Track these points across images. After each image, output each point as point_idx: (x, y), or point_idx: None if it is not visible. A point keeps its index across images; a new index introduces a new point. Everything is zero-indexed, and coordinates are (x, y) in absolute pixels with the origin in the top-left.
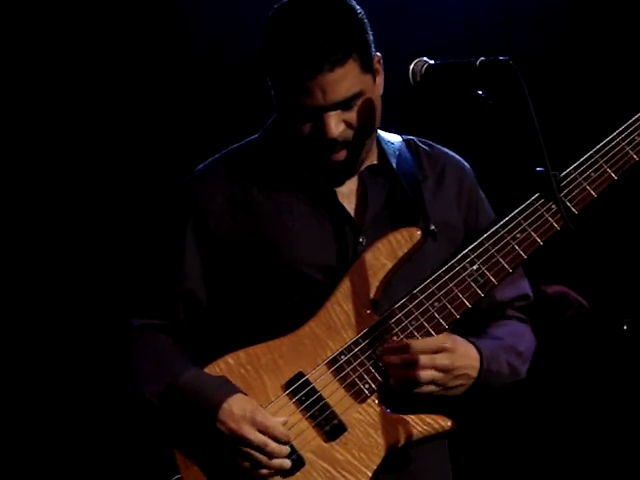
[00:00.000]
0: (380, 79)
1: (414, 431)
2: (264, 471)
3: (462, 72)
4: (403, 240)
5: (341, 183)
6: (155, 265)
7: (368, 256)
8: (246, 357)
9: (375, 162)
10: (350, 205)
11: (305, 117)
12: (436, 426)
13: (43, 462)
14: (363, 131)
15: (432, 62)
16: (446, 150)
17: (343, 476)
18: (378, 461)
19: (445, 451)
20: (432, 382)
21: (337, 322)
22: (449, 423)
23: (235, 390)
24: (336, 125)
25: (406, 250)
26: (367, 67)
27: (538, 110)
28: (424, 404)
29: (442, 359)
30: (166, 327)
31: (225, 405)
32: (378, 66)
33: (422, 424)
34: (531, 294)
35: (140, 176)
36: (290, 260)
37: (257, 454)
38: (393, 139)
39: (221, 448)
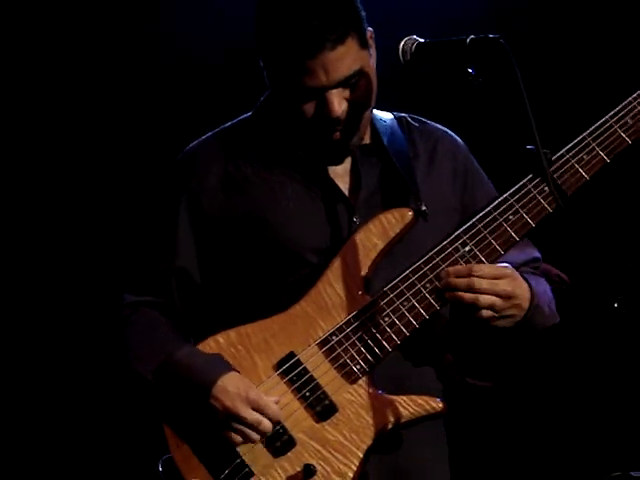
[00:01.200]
0: (374, 54)
1: (405, 412)
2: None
3: (452, 50)
4: (394, 220)
5: (335, 162)
6: (148, 243)
7: (359, 236)
8: (237, 336)
9: (368, 142)
10: (344, 185)
11: (306, 97)
12: (427, 407)
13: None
14: (363, 107)
15: (422, 40)
16: (438, 126)
17: (334, 456)
18: (369, 442)
19: (442, 434)
20: (491, 307)
21: (328, 302)
22: (440, 404)
23: (229, 368)
24: (339, 103)
25: (397, 230)
26: (364, 43)
27: (528, 88)
28: (415, 386)
29: (504, 285)
30: (159, 304)
31: (219, 382)
32: (371, 41)
33: (413, 405)
34: (540, 257)
35: (132, 155)
36: (284, 240)
37: (249, 432)
38: (385, 117)
39: (213, 425)
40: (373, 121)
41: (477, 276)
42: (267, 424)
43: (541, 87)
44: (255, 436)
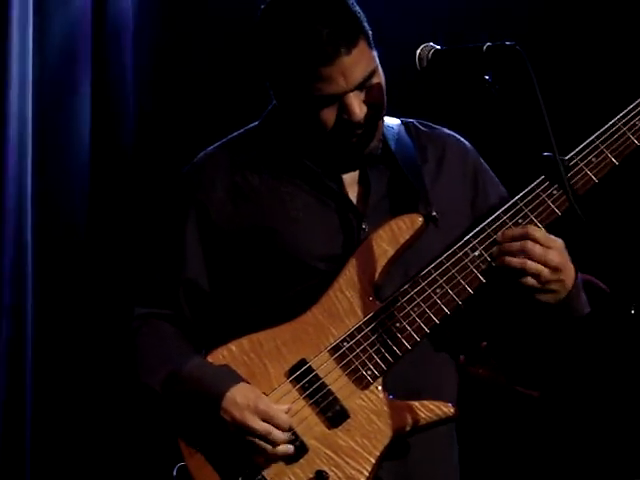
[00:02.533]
0: (381, 77)
1: (417, 417)
2: (268, 458)
3: (469, 57)
4: (405, 226)
5: (348, 170)
6: (157, 255)
7: (370, 243)
8: (249, 344)
9: (378, 149)
10: (352, 193)
11: (325, 105)
12: (439, 412)
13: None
14: (379, 108)
15: (439, 47)
16: (447, 131)
17: (347, 462)
18: (382, 448)
19: (452, 438)
20: (537, 275)
21: (340, 309)
22: (452, 409)
23: (238, 379)
24: (360, 107)
25: (407, 237)
26: (370, 44)
27: (545, 95)
28: (426, 392)
29: (554, 255)
30: (168, 316)
31: (228, 394)
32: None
33: (425, 410)
34: None
35: (141, 166)
36: (293, 249)
37: (261, 442)
38: (392, 123)
39: (225, 437)
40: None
41: (531, 239)
42: (277, 434)
43: (556, 94)
44: (267, 446)
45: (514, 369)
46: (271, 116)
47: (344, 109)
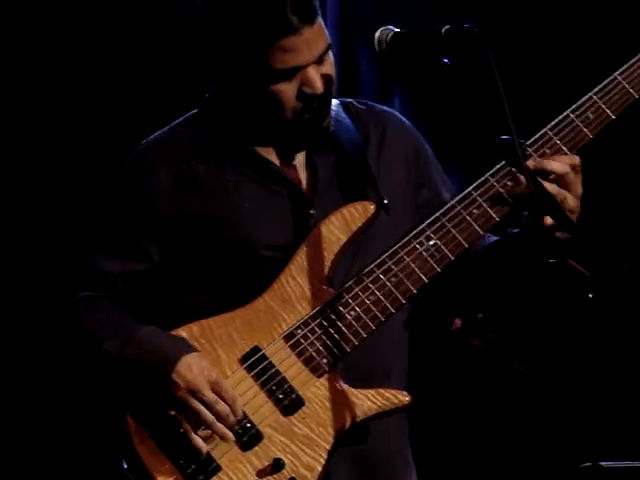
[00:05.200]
0: (332, 57)
1: (373, 405)
2: (207, 432)
3: (428, 40)
4: (357, 214)
5: (291, 154)
6: (100, 243)
7: (322, 230)
8: (199, 330)
9: None
10: (299, 179)
11: (285, 78)
12: (395, 400)
13: None
14: (332, 83)
15: (398, 30)
16: (385, 108)
17: (302, 450)
18: (337, 435)
19: (405, 425)
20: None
21: (292, 295)
22: (407, 398)
23: (195, 349)
24: (320, 79)
25: (360, 224)
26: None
27: (504, 77)
28: (381, 379)
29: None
30: (110, 298)
31: (185, 358)
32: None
33: (381, 398)
34: None
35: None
36: (241, 238)
37: (205, 411)
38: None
39: (172, 403)
40: None
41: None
42: (223, 407)
43: (516, 77)
44: (210, 417)
45: (507, 342)
46: (212, 101)
47: (306, 82)
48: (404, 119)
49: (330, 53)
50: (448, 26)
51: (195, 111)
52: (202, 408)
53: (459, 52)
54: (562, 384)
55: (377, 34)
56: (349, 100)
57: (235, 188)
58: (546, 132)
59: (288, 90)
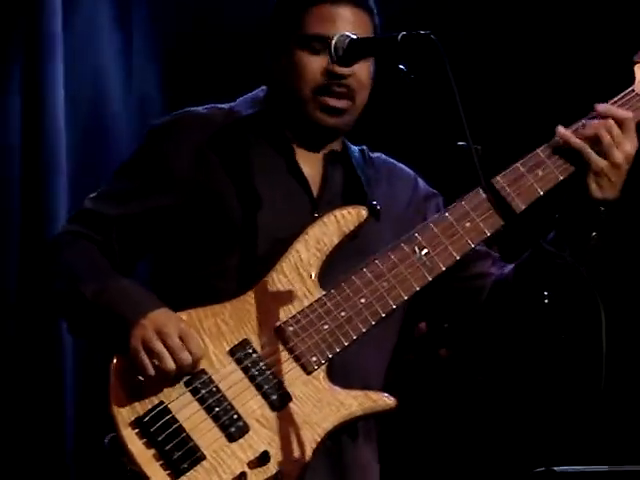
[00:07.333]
0: (372, 66)
1: (360, 407)
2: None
3: (384, 46)
4: (349, 217)
5: (316, 146)
6: (107, 189)
7: (314, 230)
8: (188, 319)
9: (338, 149)
10: (313, 184)
11: (311, 48)
12: (381, 403)
13: None
14: (362, 88)
15: (354, 36)
16: (397, 163)
17: (288, 445)
18: (322, 433)
19: (374, 431)
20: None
21: (282, 292)
22: (393, 402)
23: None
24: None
25: (352, 227)
26: (373, 33)
27: (460, 84)
28: (368, 382)
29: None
30: (99, 242)
31: (159, 311)
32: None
33: (368, 400)
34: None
35: None
36: (245, 226)
37: (167, 357)
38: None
39: (136, 342)
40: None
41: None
42: (187, 356)
43: (472, 83)
44: (170, 364)
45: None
46: (254, 99)
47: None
48: (415, 174)
49: (371, 66)
50: (404, 32)
51: (238, 103)
52: (164, 355)
53: (415, 58)
54: (515, 389)
55: (334, 40)
56: (363, 146)
57: (256, 170)
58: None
59: (313, 62)
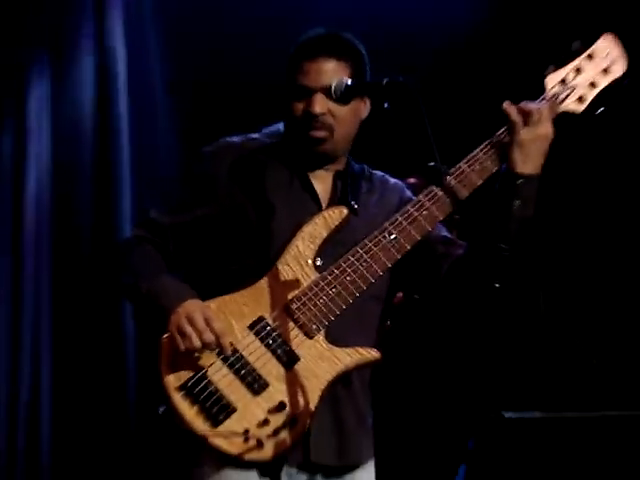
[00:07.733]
0: (366, 108)
1: (352, 359)
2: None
3: (372, 89)
4: (334, 215)
5: (316, 166)
6: (162, 204)
7: (308, 227)
8: (216, 306)
9: (341, 168)
10: (323, 197)
11: (299, 96)
12: (368, 356)
13: None
14: (341, 127)
15: (350, 82)
16: (391, 178)
17: (300, 395)
18: (326, 383)
19: (369, 394)
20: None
21: (287, 278)
22: (377, 354)
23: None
24: (320, 105)
25: (337, 223)
26: (356, 77)
27: (431, 117)
28: (357, 341)
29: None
30: (157, 243)
31: (190, 300)
32: (364, 104)
33: (357, 354)
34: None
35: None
36: (266, 231)
37: (195, 337)
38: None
39: (170, 325)
40: (349, 158)
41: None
42: (209, 335)
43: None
44: (197, 342)
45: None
46: (276, 132)
47: (308, 102)
48: (408, 190)
49: (361, 105)
50: (387, 79)
51: (265, 133)
52: (193, 335)
53: (396, 99)
54: (466, 336)
55: (334, 84)
56: (364, 165)
57: (275, 188)
58: (460, 165)
59: (298, 106)
